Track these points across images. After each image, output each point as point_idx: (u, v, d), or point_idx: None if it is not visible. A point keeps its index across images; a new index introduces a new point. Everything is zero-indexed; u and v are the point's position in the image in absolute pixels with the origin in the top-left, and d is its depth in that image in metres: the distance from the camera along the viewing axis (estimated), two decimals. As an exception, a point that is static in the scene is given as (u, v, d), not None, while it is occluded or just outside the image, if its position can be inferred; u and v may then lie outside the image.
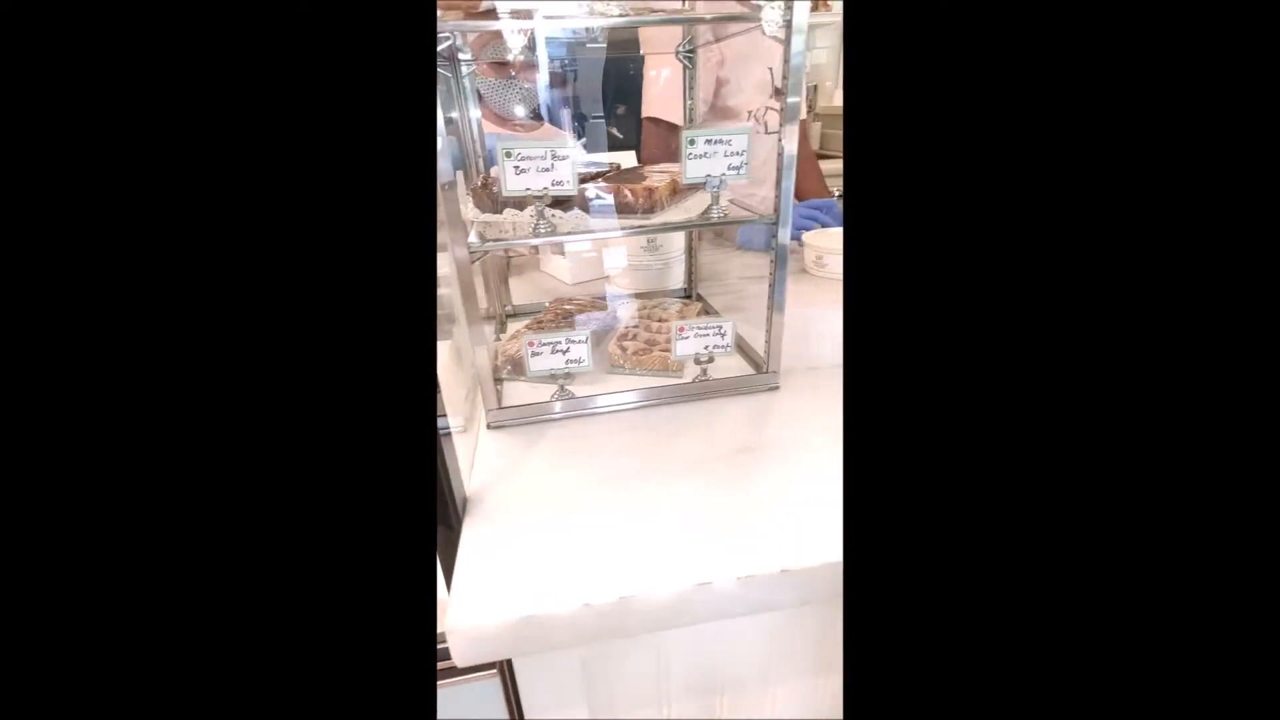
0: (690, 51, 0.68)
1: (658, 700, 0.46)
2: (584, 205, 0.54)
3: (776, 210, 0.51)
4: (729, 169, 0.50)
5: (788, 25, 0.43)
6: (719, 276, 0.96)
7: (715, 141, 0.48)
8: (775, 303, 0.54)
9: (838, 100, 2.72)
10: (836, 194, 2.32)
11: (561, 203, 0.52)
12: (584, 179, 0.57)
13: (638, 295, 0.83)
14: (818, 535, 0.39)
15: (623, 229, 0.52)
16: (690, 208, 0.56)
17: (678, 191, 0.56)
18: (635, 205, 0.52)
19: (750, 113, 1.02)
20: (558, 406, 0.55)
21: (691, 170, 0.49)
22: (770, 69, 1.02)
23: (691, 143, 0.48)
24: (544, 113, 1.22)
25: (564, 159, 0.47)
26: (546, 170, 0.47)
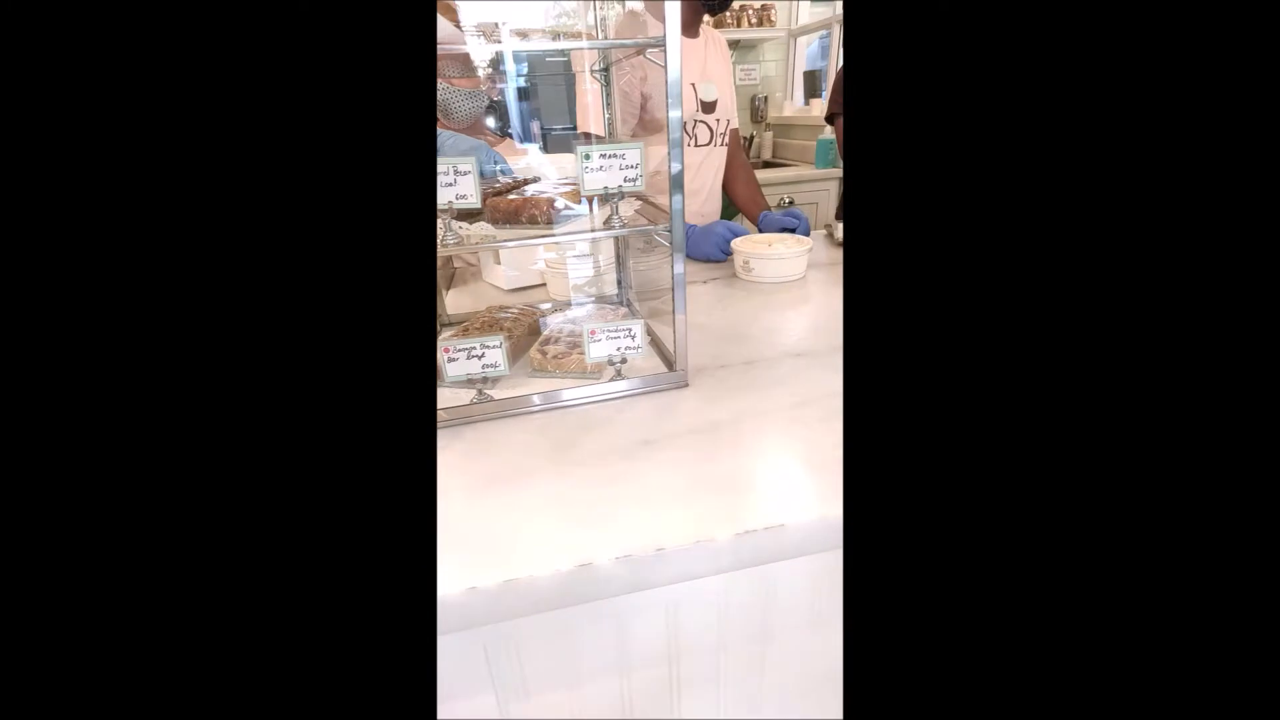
0: (604, 69, 0.72)
1: (568, 683, 0.48)
2: (511, 215, 0.57)
3: (675, 219, 0.55)
4: (625, 181, 0.53)
5: (663, 49, 0.47)
6: (655, 283, 1.00)
7: (610, 156, 0.52)
8: (676, 305, 0.57)
9: (788, 111, 2.80)
10: (787, 201, 2.39)
11: (470, 215, 0.55)
12: (496, 192, 0.60)
13: (575, 302, 0.86)
14: (694, 515, 0.42)
15: (526, 240, 0.55)
16: (596, 218, 0.59)
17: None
18: (539, 216, 0.55)
19: None
20: (477, 410, 0.57)
21: (589, 183, 0.52)
22: (694, 85, 1.07)
23: (587, 157, 0.51)
24: (498, 125, 1.25)
25: (465, 174, 0.50)
26: (450, 185, 0.50)
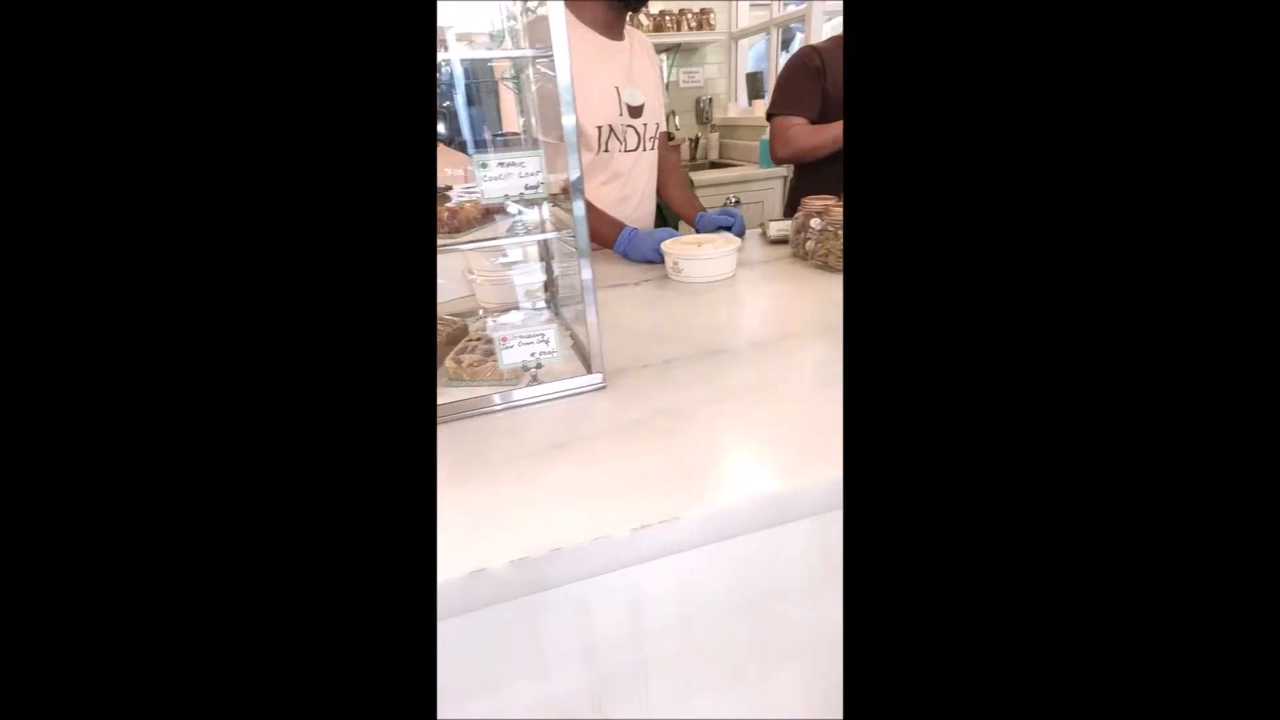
0: (515, 77, 0.72)
1: (484, 690, 0.49)
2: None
3: (579, 225, 0.55)
4: (526, 189, 0.54)
5: (549, 58, 0.48)
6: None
7: (508, 164, 0.52)
8: (587, 310, 0.58)
9: (732, 112, 2.85)
10: (734, 201, 2.43)
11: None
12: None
13: (502, 309, 0.86)
14: (594, 514, 0.43)
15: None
16: (500, 227, 0.59)
17: (490, 211, 0.60)
18: (441, 226, 0.55)
19: (599, 128, 1.07)
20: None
21: (489, 191, 0.53)
22: (618, 88, 1.08)
23: (484, 166, 0.52)
24: (446, 133, 1.24)
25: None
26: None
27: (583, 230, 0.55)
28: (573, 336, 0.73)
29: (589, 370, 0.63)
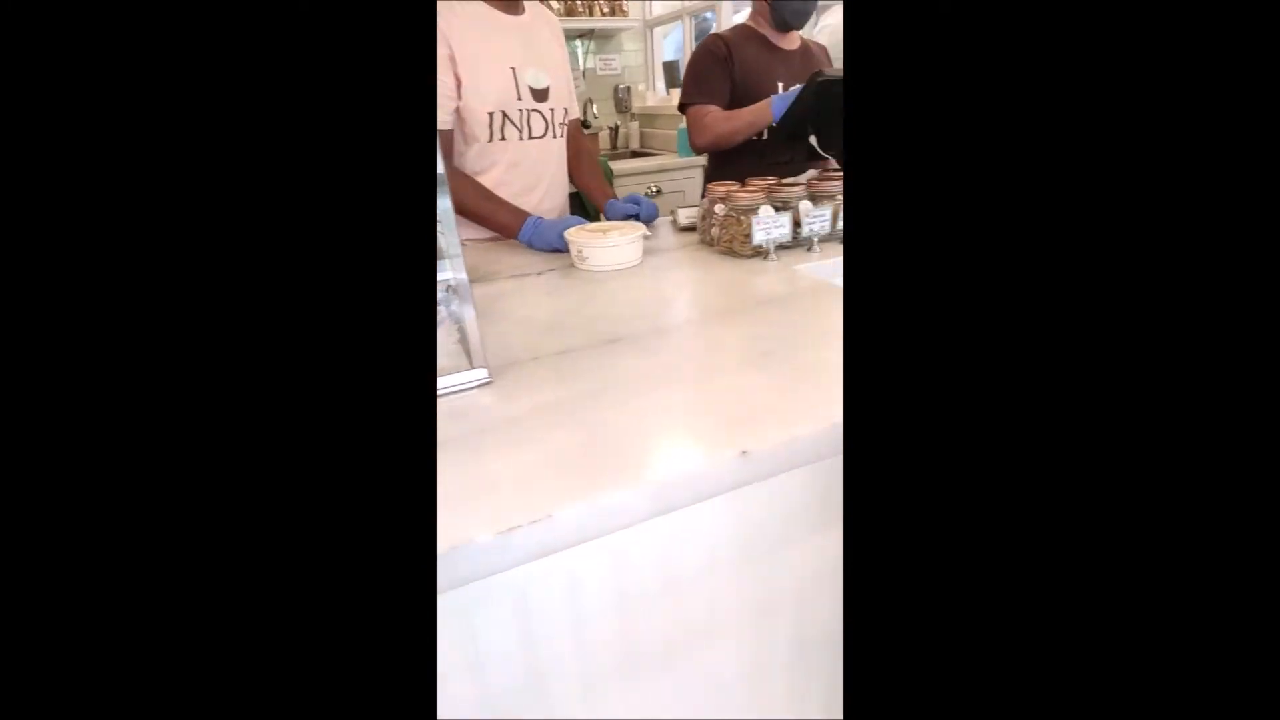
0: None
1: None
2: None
3: (445, 219, 0.52)
4: (384, 174, 0.50)
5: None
6: (488, 277, 0.97)
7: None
8: (464, 307, 0.55)
9: (651, 101, 2.85)
10: (654, 190, 2.42)
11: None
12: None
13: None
14: (458, 520, 0.40)
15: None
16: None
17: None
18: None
19: (491, 114, 1.02)
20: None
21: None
22: (514, 69, 1.03)
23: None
24: None
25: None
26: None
27: (450, 226, 0.52)
28: (460, 330, 0.70)
29: (471, 365, 0.60)
